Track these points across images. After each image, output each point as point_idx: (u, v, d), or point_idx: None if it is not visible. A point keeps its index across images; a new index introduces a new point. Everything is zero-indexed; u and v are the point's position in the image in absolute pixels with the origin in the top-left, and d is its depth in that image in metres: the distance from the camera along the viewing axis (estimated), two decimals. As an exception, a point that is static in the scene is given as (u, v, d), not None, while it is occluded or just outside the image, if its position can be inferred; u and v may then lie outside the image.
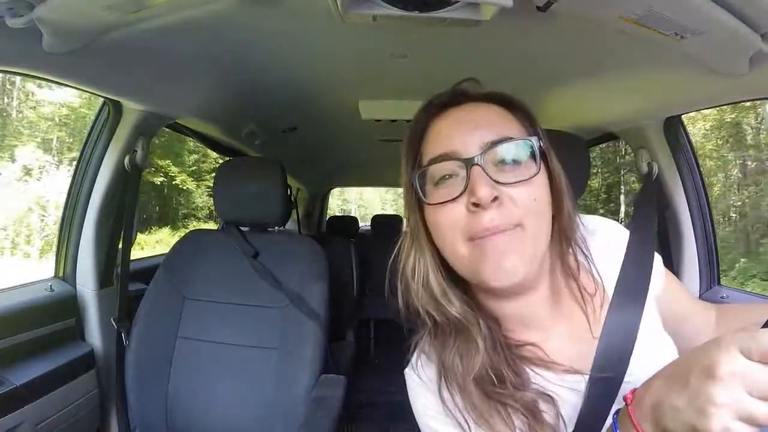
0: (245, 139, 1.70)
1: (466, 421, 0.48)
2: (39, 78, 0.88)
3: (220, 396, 1.08)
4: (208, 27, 0.90)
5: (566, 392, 0.49)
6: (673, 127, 1.11)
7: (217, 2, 0.78)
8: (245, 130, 1.63)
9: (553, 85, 1.22)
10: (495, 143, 0.46)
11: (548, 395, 0.48)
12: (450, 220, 0.47)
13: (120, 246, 1.23)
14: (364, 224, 3.78)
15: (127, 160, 1.17)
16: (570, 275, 0.53)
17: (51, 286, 1.13)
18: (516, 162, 0.47)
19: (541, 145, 0.49)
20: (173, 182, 8.38)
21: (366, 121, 1.63)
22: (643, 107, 1.07)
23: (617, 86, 1.05)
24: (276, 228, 1.27)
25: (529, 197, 0.46)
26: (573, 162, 1.05)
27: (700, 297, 1.12)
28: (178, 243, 1.23)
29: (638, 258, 0.56)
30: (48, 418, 0.98)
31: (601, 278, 0.54)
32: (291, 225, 1.48)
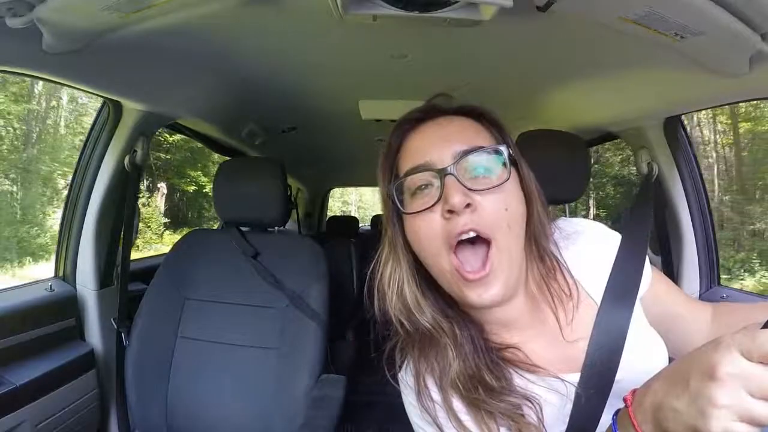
0: (245, 139, 1.70)
1: (442, 427, 0.49)
2: (39, 78, 0.88)
3: (220, 396, 1.08)
4: (209, 27, 0.90)
5: (548, 393, 0.50)
6: (673, 127, 1.11)
7: (217, 2, 0.78)
8: (245, 130, 1.63)
9: (553, 85, 1.22)
10: (466, 152, 0.48)
11: (531, 397, 0.49)
12: (428, 229, 0.48)
13: (120, 246, 1.23)
14: (364, 225, 3.78)
15: (127, 160, 1.17)
16: (543, 279, 0.54)
17: (51, 286, 1.13)
18: (487, 170, 0.49)
19: (511, 152, 0.51)
20: (203, 190, 9.33)
21: (366, 121, 1.63)
22: (643, 107, 1.07)
23: (617, 86, 1.05)
24: (276, 228, 1.27)
25: (500, 206, 0.48)
26: (573, 162, 1.06)
27: (700, 297, 1.12)
28: (179, 243, 1.23)
29: (629, 259, 0.57)
30: (48, 418, 0.98)
31: (575, 281, 0.55)
32: (291, 225, 1.48)
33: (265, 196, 1.18)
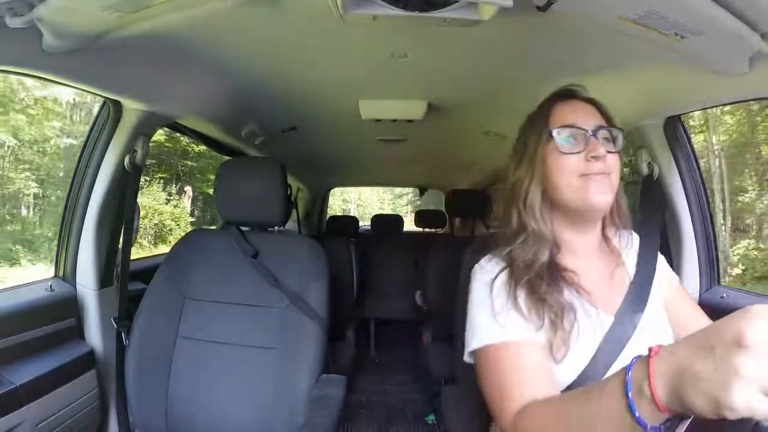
0: (245, 139, 1.70)
1: (501, 304, 0.67)
2: (39, 78, 0.88)
3: (220, 396, 1.08)
4: (208, 27, 0.90)
5: (584, 316, 0.67)
6: (673, 127, 1.11)
7: (216, 2, 0.78)
8: (245, 130, 1.63)
9: (552, 84, 1.20)
10: (602, 127, 0.71)
11: (572, 309, 0.67)
12: (571, 164, 0.69)
13: (120, 246, 1.23)
14: (364, 224, 3.79)
15: (127, 160, 1.17)
16: (614, 231, 0.78)
17: (51, 285, 1.13)
18: (610, 140, 0.71)
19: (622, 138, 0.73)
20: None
21: (366, 121, 1.63)
22: (643, 107, 1.07)
23: (617, 86, 1.05)
24: (276, 228, 1.27)
25: (615, 162, 0.70)
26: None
27: (700, 297, 1.12)
28: (179, 243, 1.23)
29: (648, 250, 0.79)
30: (48, 418, 0.98)
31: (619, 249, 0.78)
32: (291, 225, 1.48)
33: (265, 196, 1.18)
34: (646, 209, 1.02)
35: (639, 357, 0.42)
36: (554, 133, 0.70)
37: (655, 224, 0.88)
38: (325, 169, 2.99)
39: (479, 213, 2.39)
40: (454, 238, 3.21)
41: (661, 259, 0.81)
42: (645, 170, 1.12)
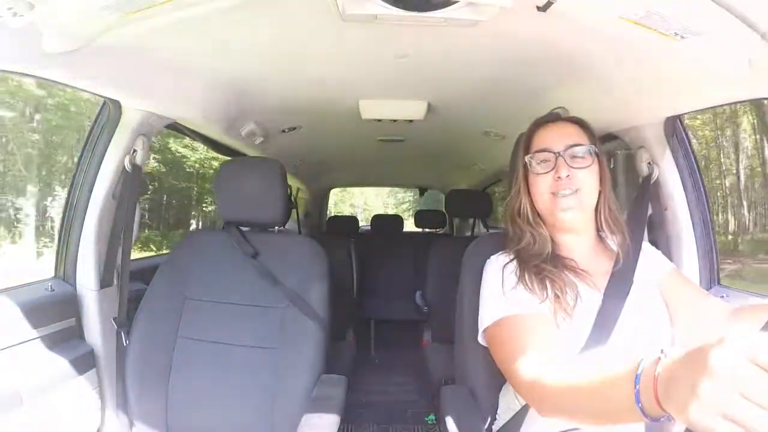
0: (245, 139, 1.69)
1: (510, 284, 0.79)
2: (39, 78, 0.88)
3: (220, 396, 1.08)
4: (208, 27, 0.90)
5: (584, 291, 0.78)
6: (673, 127, 1.11)
7: (217, 2, 0.78)
8: (245, 130, 1.63)
9: (552, 84, 1.22)
10: (574, 145, 0.80)
11: (574, 284, 0.78)
12: (543, 184, 0.81)
13: (120, 246, 1.23)
14: (365, 225, 3.79)
15: (127, 160, 1.17)
16: (601, 236, 0.88)
17: (51, 286, 1.13)
18: (582, 157, 0.80)
19: (597, 150, 0.82)
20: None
21: (366, 121, 1.63)
22: (643, 107, 1.07)
23: (617, 86, 1.05)
24: (276, 228, 1.27)
25: (586, 176, 0.79)
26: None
27: (700, 297, 1.12)
28: (179, 243, 1.23)
29: (635, 242, 0.87)
30: (48, 418, 0.98)
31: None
32: (291, 225, 1.48)
33: (265, 196, 1.18)
34: (639, 206, 1.08)
35: (652, 355, 0.45)
36: (528, 158, 0.84)
37: (644, 219, 1.02)
38: (325, 169, 2.99)
39: (479, 213, 2.39)
40: (454, 238, 3.21)
41: (654, 252, 0.92)
42: (645, 170, 1.12)
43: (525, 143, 0.86)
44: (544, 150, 0.81)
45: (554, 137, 0.82)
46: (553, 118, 0.88)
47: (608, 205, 0.84)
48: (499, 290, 0.79)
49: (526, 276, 0.78)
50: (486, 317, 0.79)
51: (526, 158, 0.83)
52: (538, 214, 0.85)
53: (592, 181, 0.81)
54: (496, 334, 0.76)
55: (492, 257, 0.87)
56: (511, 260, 0.83)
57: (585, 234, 0.85)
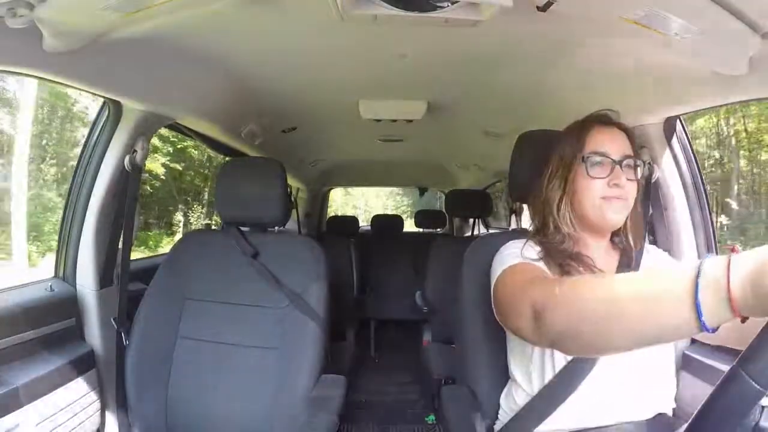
0: (245, 139, 1.70)
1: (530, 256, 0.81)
2: (39, 78, 0.88)
3: (220, 396, 1.08)
4: (208, 27, 0.90)
5: None
6: (673, 127, 1.11)
7: (216, 2, 0.78)
8: (245, 130, 1.63)
9: (552, 85, 1.22)
10: (628, 156, 0.81)
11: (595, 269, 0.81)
12: (596, 187, 0.80)
13: (120, 246, 1.23)
14: (365, 225, 3.79)
15: (127, 160, 1.17)
16: (621, 237, 0.89)
17: (51, 286, 1.13)
18: (632, 168, 0.82)
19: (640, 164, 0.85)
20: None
21: (366, 121, 1.63)
22: (643, 107, 1.07)
23: (617, 86, 1.05)
24: (276, 228, 1.27)
25: (633, 188, 0.82)
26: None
27: (700, 297, 1.12)
28: (179, 243, 1.23)
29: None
30: (48, 418, 0.98)
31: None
32: (291, 225, 1.48)
33: (265, 196, 1.18)
34: (639, 206, 1.07)
35: (710, 256, 0.42)
36: (587, 158, 0.81)
37: (644, 219, 1.02)
38: (325, 169, 2.99)
39: (479, 213, 2.39)
40: (454, 238, 3.21)
41: (660, 253, 0.94)
42: (645, 170, 1.12)
43: (578, 139, 0.83)
44: (602, 154, 0.80)
45: (612, 144, 0.81)
46: (608, 120, 0.85)
47: (636, 216, 0.87)
48: (518, 253, 0.81)
49: (551, 265, 0.80)
50: (498, 269, 0.80)
51: (587, 157, 0.81)
52: (575, 214, 0.84)
53: (635, 193, 0.83)
54: (505, 281, 0.77)
55: (508, 243, 0.87)
56: (533, 247, 0.84)
57: (607, 236, 0.88)
